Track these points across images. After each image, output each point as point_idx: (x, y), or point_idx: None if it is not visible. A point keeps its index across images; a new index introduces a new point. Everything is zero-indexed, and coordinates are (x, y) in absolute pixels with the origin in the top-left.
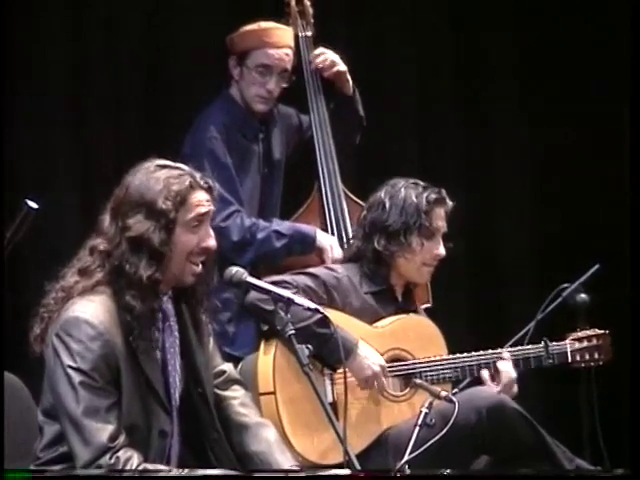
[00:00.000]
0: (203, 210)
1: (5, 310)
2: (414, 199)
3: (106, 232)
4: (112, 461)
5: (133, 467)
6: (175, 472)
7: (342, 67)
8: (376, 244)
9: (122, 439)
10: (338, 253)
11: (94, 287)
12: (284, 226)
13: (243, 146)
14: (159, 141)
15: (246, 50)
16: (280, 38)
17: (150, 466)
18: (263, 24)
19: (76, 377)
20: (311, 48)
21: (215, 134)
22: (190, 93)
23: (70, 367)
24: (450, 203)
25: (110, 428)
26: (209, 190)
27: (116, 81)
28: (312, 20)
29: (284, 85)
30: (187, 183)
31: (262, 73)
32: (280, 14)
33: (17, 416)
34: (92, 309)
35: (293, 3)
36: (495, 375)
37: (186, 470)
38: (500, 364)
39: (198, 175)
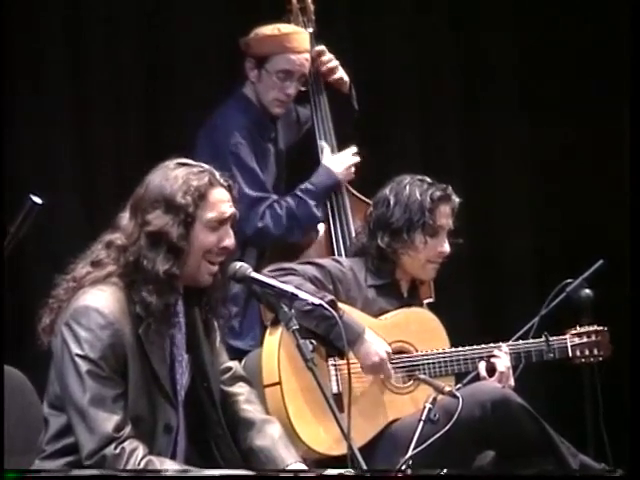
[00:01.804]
0: (227, 214)
1: (6, 308)
2: (418, 196)
3: (124, 228)
4: (117, 451)
5: (138, 458)
6: (176, 467)
7: (341, 74)
8: (380, 241)
9: (128, 430)
10: (352, 159)
11: (105, 278)
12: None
13: (262, 147)
14: (159, 141)
15: (266, 54)
16: (300, 43)
17: (155, 458)
18: (283, 28)
19: (84, 366)
20: (313, 45)
21: (240, 139)
22: (190, 93)
23: (78, 355)
24: (457, 200)
25: (116, 418)
26: (229, 189)
27: (116, 81)
28: (313, 17)
29: (301, 89)
30: (206, 180)
31: (283, 78)
32: (281, 11)
33: (19, 411)
34: (102, 299)
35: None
36: (492, 367)
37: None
38: (496, 354)
39: (218, 173)
